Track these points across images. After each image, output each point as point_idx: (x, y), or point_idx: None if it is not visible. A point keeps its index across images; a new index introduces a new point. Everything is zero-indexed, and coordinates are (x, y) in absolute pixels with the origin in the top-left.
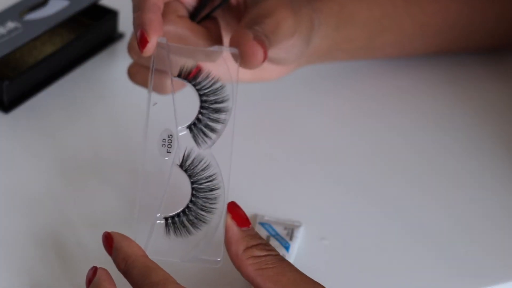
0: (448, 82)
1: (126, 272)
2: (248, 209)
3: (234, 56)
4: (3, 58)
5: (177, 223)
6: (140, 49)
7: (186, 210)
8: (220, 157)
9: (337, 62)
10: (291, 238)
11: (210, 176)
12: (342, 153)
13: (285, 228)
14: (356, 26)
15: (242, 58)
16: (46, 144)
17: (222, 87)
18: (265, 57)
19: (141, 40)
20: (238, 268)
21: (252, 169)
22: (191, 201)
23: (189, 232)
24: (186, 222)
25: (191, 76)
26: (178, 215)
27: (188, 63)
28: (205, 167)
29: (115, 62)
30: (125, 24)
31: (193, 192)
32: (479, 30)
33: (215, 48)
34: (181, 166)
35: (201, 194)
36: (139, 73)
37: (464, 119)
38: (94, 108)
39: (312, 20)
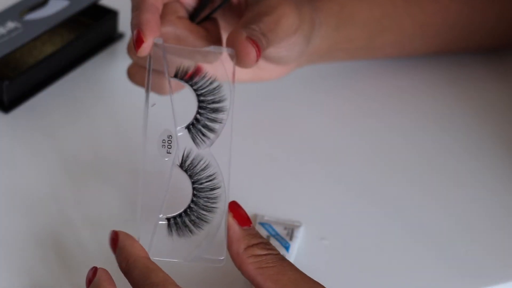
0: (449, 82)
1: (127, 272)
2: (248, 209)
3: (231, 56)
4: (3, 58)
5: (179, 223)
6: (135, 48)
7: (188, 210)
8: (220, 156)
9: (337, 62)
10: (291, 238)
11: (210, 175)
12: (342, 153)
13: (285, 228)
14: (356, 26)
15: (236, 57)
16: (46, 144)
17: (219, 87)
18: (258, 56)
19: (137, 40)
20: (239, 267)
21: (252, 169)
22: (192, 201)
23: (191, 232)
24: (188, 222)
25: (188, 76)
26: (180, 215)
27: (184, 63)
28: (204, 167)
29: (115, 62)
30: (125, 24)
31: (194, 192)
32: (479, 30)
33: (212, 48)
34: (181, 166)
35: (202, 194)
36: (139, 74)
37: (464, 119)
38: (94, 108)
39: (313, 19)
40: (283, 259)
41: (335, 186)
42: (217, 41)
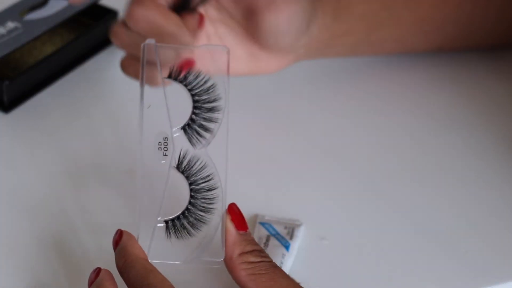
0: (454, 81)
1: (123, 271)
2: (249, 209)
3: (226, 53)
4: (3, 58)
5: (178, 225)
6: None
7: (186, 212)
8: (216, 156)
9: (337, 58)
10: (291, 238)
11: (207, 176)
12: (342, 153)
13: (286, 228)
14: (354, 18)
15: None
16: (46, 144)
17: (213, 86)
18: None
19: None
20: (230, 271)
21: (251, 169)
22: (190, 202)
23: (189, 233)
24: (186, 224)
25: (183, 68)
26: (178, 217)
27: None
28: (201, 168)
29: (115, 62)
30: None
31: (191, 193)
32: (480, 27)
33: (205, 46)
34: (177, 168)
35: (200, 195)
36: (131, 66)
37: (469, 117)
38: (94, 108)
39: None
40: (275, 267)
41: (335, 186)
42: (192, 34)
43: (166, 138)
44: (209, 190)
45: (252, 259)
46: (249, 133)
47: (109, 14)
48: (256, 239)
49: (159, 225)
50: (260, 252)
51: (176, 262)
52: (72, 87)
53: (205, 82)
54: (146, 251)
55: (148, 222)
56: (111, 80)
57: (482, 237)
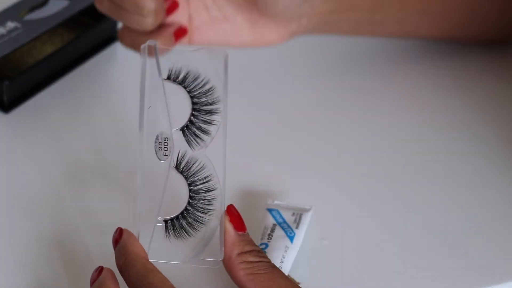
0: (460, 81)
1: (123, 269)
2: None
3: (224, 56)
4: (3, 58)
5: (176, 225)
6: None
7: (185, 212)
8: (215, 158)
9: (341, 37)
10: (297, 226)
11: (206, 177)
12: (342, 153)
13: (293, 214)
14: None
15: None
16: (46, 144)
17: (212, 88)
18: None
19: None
20: (229, 271)
21: (252, 167)
22: (188, 203)
23: (188, 234)
24: (185, 224)
25: (176, 36)
26: (177, 217)
27: (177, 65)
28: (199, 169)
29: (115, 62)
30: None
31: (190, 194)
32: (483, 18)
33: (204, 49)
34: (176, 168)
35: (198, 196)
36: (127, 36)
37: (476, 117)
38: (94, 108)
39: None
40: (274, 267)
41: (335, 186)
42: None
43: (166, 138)
44: (207, 191)
45: (251, 258)
46: (250, 133)
47: None
48: (262, 229)
49: (158, 224)
50: (259, 252)
51: (175, 262)
52: (72, 87)
53: (204, 84)
54: (146, 251)
55: (148, 222)
56: (111, 80)
57: (483, 237)
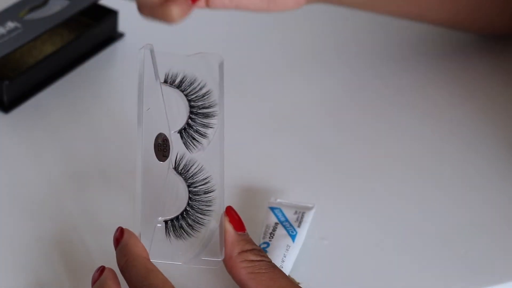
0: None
1: (124, 269)
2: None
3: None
4: (3, 58)
5: (176, 226)
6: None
7: (184, 213)
8: (213, 160)
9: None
10: (299, 225)
11: (204, 179)
12: (343, 153)
13: (296, 213)
14: None
15: None
16: (46, 144)
17: (208, 92)
18: None
19: None
20: (230, 270)
21: (254, 165)
22: (188, 204)
23: (188, 234)
24: (184, 225)
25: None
26: (176, 218)
27: (173, 69)
28: (197, 171)
29: (115, 62)
30: (125, 24)
31: (190, 195)
32: (490, 9)
33: (202, 54)
34: (175, 169)
35: (197, 197)
36: (147, 4)
37: (476, 118)
38: (94, 108)
39: None
40: (275, 267)
41: (335, 187)
42: None
43: (165, 140)
44: (206, 192)
45: (252, 257)
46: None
47: (109, 14)
48: (264, 227)
49: (158, 225)
50: (260, 251)
51: (176, 262)
52: (72, 87)
53: (200, 88)
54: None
55: (148, 222)
56: (111, 80)
57: (482, 237)
